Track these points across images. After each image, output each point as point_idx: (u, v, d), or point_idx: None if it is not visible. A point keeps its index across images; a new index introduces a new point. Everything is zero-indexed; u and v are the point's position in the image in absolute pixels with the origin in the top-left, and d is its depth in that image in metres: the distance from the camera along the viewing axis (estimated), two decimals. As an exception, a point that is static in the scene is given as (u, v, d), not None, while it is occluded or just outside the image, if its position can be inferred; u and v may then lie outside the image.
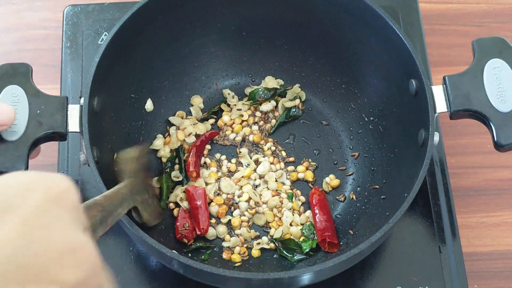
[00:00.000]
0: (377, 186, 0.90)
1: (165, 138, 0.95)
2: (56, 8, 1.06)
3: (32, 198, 0.44)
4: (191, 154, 0.92)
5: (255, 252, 0.88)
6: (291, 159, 0.95)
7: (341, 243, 0.87)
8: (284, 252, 0.88)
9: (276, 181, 0.93)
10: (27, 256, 0.41)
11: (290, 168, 0.94)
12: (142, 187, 0.80)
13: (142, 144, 0.91)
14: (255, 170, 0.94)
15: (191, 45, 0.97)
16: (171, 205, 0.91)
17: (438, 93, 0.82)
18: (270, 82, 0.98)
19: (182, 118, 0.97)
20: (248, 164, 0.94)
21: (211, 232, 0.89)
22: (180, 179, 0.92)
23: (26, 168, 0.77)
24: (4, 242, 0.41)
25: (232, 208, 0.92)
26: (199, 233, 0.88)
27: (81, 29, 1.02)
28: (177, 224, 0.88)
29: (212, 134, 0.95)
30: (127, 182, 0.77)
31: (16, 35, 1.07)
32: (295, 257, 0.87)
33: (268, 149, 0.95)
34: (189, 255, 0.86)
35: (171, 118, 0.96)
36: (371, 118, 0.95)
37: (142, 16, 0.87)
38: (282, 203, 0.92)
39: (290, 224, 0.90)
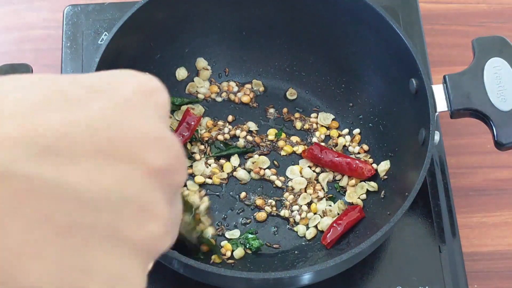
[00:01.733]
0: (378, 185, 0.90)
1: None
2: (56, 8, 1.06)
3: (125, 87, 0.42)
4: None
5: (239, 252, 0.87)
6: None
7: (341, 243, 0.87)
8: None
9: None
10: (114, 131, 0.39)
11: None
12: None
13: None
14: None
15: (191, 45, 0.97)
16: None
17: (438, 92, 0.82)
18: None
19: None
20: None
21: None
22: None
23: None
24: (94, 116, 0.39)
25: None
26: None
27: (81, 29, 1.02)
28: None
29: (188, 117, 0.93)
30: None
31: (16, 35, 1.07)
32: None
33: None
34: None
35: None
36: (371, 118, 0.95)
37: (142, 16, 0.87)
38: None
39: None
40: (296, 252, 0.88)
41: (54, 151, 0.36)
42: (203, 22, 0.95)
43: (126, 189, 0.38)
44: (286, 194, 0.91)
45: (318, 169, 0.93)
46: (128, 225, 0.38)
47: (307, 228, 0.90)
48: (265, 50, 0.99)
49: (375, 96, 0.94)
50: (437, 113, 0.82)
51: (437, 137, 0.81)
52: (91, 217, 0.36)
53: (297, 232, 0.89)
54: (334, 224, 0.87)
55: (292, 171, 0.93)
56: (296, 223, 0.90)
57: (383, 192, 0.89)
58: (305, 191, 0.91)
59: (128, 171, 0.39)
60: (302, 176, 0.92)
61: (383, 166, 0.91)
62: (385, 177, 0.91)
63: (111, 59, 0.84)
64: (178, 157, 0.42)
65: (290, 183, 0.92)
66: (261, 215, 0.91)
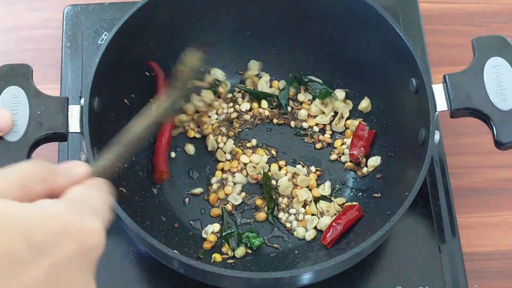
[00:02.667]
0: (378, 184, 0.90)
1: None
2: (56, 8, 1.06)
3: (66, 248, 0.46)
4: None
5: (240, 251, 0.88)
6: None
7: (342, 242, 0.87)
8: None
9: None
10: None
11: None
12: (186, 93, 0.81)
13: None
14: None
15: (191, 45, 0.97)
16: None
17: (438, 91, 0.82)
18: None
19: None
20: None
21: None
22: None
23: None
24: (26, 286, 0.43)
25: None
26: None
27: (81, 29, 1.02)
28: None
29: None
30: (176, 93, 0.77)
31: (16, 35, 1.07)
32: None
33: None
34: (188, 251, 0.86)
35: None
36: (371, 117, 0.95)
37: (142, 16, 0.87)
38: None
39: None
40: (296, 252, 0.88)
41: None
42: (203, 22, 0.95)
43: None
44: (280, 199, 0.92)
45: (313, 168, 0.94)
46: None
47: (306, 230, 0.90)
48: (265, 50, 0.99)
49: (375, 95, 0.94)
50: (437, 113, 0.82)
51: (437, 136, 0.81)
52: None
53: (297, 235, 0.90)
54: (334, 224, 0.87)
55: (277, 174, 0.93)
56: (293, 230, 0.90)
57: (383, 191, 0.89)
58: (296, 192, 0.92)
59: None
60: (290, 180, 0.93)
61: (373, 162, 0.91)
62: (379, 175, 0.91)
63: (111, 59, 0.84)
64: None
65: (279, 188, 0.92)
66: (261, 216, 0.91)
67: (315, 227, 0.90)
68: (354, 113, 0.97)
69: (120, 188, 0.84)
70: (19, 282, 0.43)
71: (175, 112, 0.81)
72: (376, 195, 0.90)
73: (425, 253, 0.88)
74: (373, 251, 0.82)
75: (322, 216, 0.90)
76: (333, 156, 0.94)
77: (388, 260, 0.88)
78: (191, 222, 0.91)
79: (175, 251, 0.76)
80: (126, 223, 0.76)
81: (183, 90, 0.79)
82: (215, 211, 0.91)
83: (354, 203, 0.90)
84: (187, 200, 0.92)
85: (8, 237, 0.44)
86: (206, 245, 0.88)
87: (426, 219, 0.90)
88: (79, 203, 0.50)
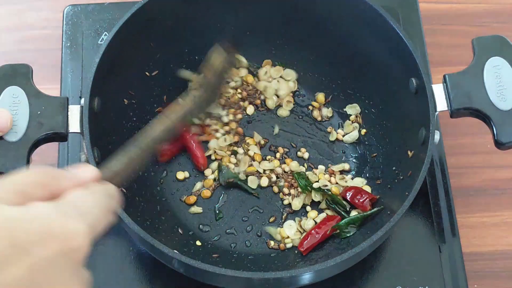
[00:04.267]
0: (378, 183, 0.90)
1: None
2: (56, 8, 1.06)
3: (49, 247, 0.47)
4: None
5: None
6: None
7: (341, 242, 0.87)
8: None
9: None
10: None
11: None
12: (211, 96, 0.81)
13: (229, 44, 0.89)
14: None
15: (191, 45, 0.97)
16: None
17: (438, 91, 0.82)
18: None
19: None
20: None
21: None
22: None
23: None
24: (8, 284, 0.45)
25: None
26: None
27: (81, 29, 1.02)
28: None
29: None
30: (199, 95, 0.76)
31: (16, 35, 1.07)
32: None
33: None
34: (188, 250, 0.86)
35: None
36: (371, 117, 0.95)
37: (142, 16, 0.87)
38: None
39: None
40: (296, 251, 0.88)
41: None
42: (203, 22, 0.95)
43: None
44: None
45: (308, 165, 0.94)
46: None
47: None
48: (265, 50, 0.99)
49: (375, 95, 0.94)
50: (437, 113, 0.82)
51: (437, 136, 0.81)
52: None
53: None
54: (313, 231, 0.87)
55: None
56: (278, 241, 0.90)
57: (383, 191, 0.89)
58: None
59: None
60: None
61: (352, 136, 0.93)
62: (378, 181, 0.91)
63: (111, 59, 0.84)
64: None
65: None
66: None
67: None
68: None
69: (120, 188, 0.84)
70: (0, 279, 0.44)
71: (197, 116, 0.79)
72: (376, 196, 0.90)
73: (425, 253, 0.88)
74: (373, 251, 0.82)
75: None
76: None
77: (388, 260, 0.88)
78: (191, 222, 0.91)
79: (175, 251, 0.76)
80: (126, 223, 0.76)
81: (208, 94, 0.77)
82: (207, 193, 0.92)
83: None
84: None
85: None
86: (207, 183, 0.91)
87: (426, 219, 0.90)
88: (69, 205, 0.52)
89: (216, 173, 0.93)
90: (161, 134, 0.64)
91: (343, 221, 0.87)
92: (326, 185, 0.90)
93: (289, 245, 0.89)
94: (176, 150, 0.94)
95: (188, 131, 0.93)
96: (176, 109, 0.70)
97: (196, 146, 0.93)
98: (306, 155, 0.95)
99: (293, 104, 0.98)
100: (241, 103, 0.97)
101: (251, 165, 0.93)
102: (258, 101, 0.98)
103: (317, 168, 0.94)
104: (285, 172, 0.93)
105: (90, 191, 0.54)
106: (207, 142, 0.95)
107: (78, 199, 0.53)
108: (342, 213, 0.89)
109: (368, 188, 0.90)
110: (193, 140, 0.93)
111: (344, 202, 0.89)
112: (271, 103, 0.98)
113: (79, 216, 0.51)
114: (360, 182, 0.92)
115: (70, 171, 0.56)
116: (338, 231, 0.87)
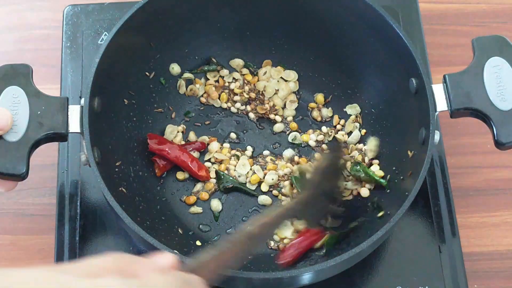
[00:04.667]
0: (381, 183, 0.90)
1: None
2: (56, 8, 1.06)
3: None
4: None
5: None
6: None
7: (341, 242, 0.87)
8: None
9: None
10: None
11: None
12: (320, 195, 0.79)
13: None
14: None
15: (191, 45, 0.97)
16: None
17: (438, 91, 0.82)
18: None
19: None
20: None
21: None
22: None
23: (27, 169, 0.77)
24: None
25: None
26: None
27: (81, 29, 1.02)
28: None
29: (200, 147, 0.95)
30: (304, 195, 0.74)
31: (16, 35, 1.07)
32: None
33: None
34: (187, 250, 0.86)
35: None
36: (371, 117, 0.95)
37: (142, 16, 0.87)
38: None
39: None
40: (296, 251, 0.88)
41: None
42: (203, 22, 0.95)
43: None
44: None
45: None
46: None
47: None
48: (265, 50, 0.99)
49: (375, 96, 0.94)
50: (437, 113, 0.82)
51: (437, 136, 0.81)
52: None
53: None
54: (293, 242, 0.87)
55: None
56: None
57: (383, 191, 0.89)
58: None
59: None
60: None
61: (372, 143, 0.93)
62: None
63: (111, 59, 0.84)
64: None
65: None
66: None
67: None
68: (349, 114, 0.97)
69: (120, 188, 0.85)
70: None
71: (304, 217, 0.79)
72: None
73: (425, 253, 0.88)
74: (373, 251, 0.82)
75: None
76: None
77: (388, 260, 0.88)
78: (191, 222, 0.91)
79: (175, 251, 0.76)
80: (126, 223, 0.76)
81: (311, 193, 0.77)
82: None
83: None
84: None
85: None
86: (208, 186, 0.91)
87: (426, 219, 0.90)
88: (137, 282, 0.50)
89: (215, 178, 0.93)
90: (258, 231, 0.62)
91: (328, 237, 0.87)
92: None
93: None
94: (170, 165, 0.93)
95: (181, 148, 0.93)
96: (278, 209, 0.69)
97: (192, 161, 0.92)
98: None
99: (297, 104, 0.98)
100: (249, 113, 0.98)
101: (253, 169, 0.93)
102: (267, 107, 0.98)
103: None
104: (285, 174, 0.93)
105: (165, 274, 0.52)
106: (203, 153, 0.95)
107: (150, 279, 0.51)
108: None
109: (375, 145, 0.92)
110: (186, 157, 0.92)
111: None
112: (278, 102, 0.98)
113: None
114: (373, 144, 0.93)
115: (149, 258, 0.54)
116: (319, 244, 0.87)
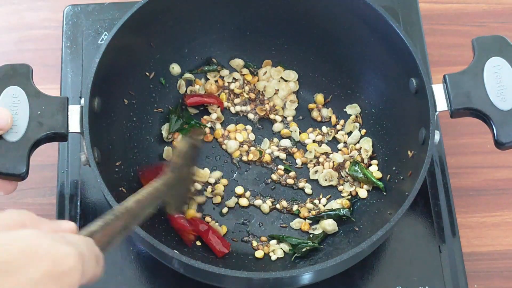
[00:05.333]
0: (378, 185, 0.90)
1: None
2: (56, 8, 1.06)
3: (36, 268, 0.46)
4: None
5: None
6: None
7: (341, 242, 0.87)
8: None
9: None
10: None
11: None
12: (182, 179, 0.80)
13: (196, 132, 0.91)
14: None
15: (191, 45, 0.97)
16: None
17: (438, 91, 0.82)
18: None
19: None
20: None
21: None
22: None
23: (27, 169, 0.77)
24: None
25: None
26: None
27: (81, 29, 1.02)
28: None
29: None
30: (169, 176, 0.76)
31: (16, 35, 1.07)
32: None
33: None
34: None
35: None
36: (371, 117, 0.95)
37: (142, 16, 0.87)
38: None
39: None
40: (296, 252, 0.88)
41: None
42: (203, 22, 0.95)
43: None
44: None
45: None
46: None
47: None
48: (265, 50, 0.99)
49: (375, 96, 0.94)
50: (437, 113, 0.82)
51: (437, 136, 0.81)
52: None
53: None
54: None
55: None
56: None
57: (384, 191, 0.89)
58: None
59: None
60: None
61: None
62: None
63: (111, 59, 0.84)
64: None
65: None
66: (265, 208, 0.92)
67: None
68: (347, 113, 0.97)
69: (120, 188, 0.84)
70: None
71: (172, 198, 0.80)
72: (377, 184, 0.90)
73: (425, 253, 0.88)
74: (373, 251, 0.82)
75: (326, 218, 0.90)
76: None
77: (388, 260, 0.88)
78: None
79: (175, 251, 0.76)
80: (126, 223, 0.76)
81: (177, 176, 0.78)
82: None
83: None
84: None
85: None
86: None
87: (426, 219, 0.90)
88: (57, 235, 0.50)
89: (208, 193, 0.92)
90: (134, 205, 0.65)
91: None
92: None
93: None
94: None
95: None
96: (147, 187, 0.72)
97: (182, 224, 0.88)
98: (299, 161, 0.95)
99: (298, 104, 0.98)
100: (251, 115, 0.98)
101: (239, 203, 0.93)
102: (267, 107, 0.98)
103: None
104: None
105: (72, 234, 0.54)
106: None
107: (66, 234, 0.52)
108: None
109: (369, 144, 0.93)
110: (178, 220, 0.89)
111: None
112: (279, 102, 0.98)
113: (68, 243, 0.50)
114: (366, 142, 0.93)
115: (50, 220, 0.55)
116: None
